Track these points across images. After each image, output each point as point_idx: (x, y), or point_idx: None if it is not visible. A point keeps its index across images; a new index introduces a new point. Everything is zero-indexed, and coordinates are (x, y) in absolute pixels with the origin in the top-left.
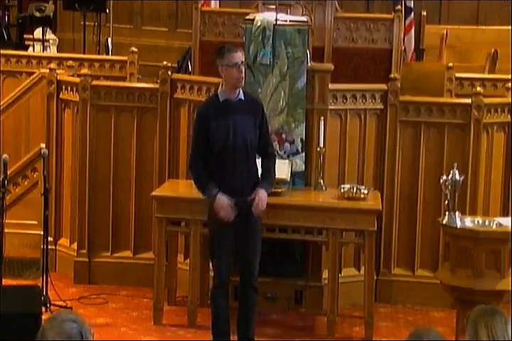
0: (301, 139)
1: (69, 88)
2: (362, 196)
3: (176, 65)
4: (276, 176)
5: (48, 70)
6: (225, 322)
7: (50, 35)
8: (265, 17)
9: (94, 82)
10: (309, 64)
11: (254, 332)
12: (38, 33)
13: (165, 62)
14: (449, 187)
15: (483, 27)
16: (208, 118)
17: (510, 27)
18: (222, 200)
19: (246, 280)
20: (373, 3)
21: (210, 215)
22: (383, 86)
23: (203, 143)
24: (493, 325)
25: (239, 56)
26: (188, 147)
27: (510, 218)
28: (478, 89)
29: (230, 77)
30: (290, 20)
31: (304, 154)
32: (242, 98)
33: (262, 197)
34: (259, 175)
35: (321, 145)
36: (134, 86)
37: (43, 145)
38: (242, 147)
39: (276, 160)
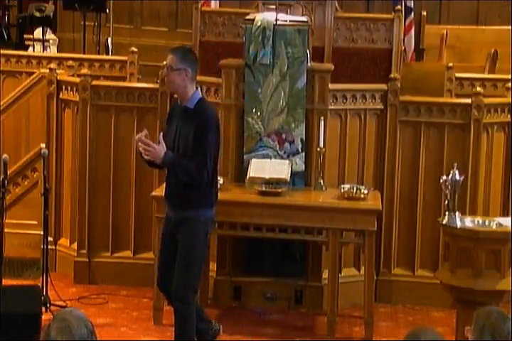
0: (301, 139)
1: (69, 88)
2: (362, 196)
3: None
4: (276, 176)
5: (47, 70)
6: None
7: (50, 35)
8: (265, 17)
9: (94, 82)
10: (309, 64)
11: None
12: (38, 33)
13: (165, 62)
14: (449, 187)
15: (483, 27)
16: (167, 119)
17: (510, 27)
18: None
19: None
20: (373, 3)
21: None
22: (383, 86)
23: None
24: (501, 331)
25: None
26: None
27: (510, 218)
28: (478, 89)
29: None
30: (290, 20)
31: (303, 154)
32: (191, 107)
33: (155, 150)
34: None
35: (321, 145)
36: (134, 86)
37: (43, 145)
38: None
39: (277, 160)
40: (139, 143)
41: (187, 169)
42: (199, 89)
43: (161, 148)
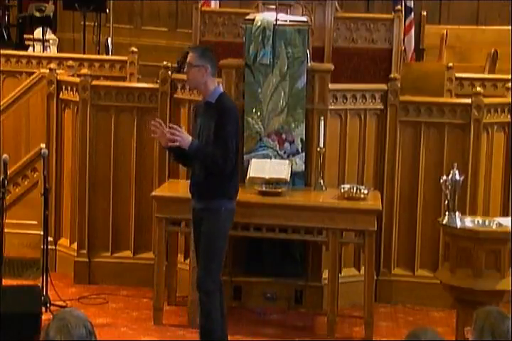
0: (301, 139)
1: (69, 88)
2: (362, 196)
3: (176, 65)
4: (276, 176)
5: (47, 70)
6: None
7: (50, 35)
8: (265, 17)
9: (94, 82)
10: (309, 64)
11: (203, 332)
12: (38, 33)
13: (165, 62)
14: (449, 187)
15: (483, 27)
16: (193, 119)
17: (510, 27)
18: None
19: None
20: (373, 3)
21: None
22: (383, 86)
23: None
24: (500, 331)
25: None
26: None
27: (510, 218)
28: (478, 89)
29: None
30: (290, 20)
31: (304, 154)
32: (213, 101)
33: (183, 135)
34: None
35: (321, 145)
36: (134, 86)
37: (43, 145)
38: None
39: (276, 160)
40: (168, 130)
41: (212, 154)
42: (221, 85)
43: (188, 135)
